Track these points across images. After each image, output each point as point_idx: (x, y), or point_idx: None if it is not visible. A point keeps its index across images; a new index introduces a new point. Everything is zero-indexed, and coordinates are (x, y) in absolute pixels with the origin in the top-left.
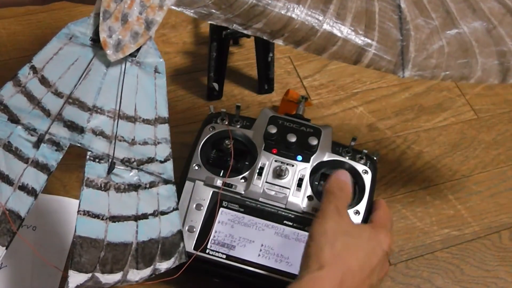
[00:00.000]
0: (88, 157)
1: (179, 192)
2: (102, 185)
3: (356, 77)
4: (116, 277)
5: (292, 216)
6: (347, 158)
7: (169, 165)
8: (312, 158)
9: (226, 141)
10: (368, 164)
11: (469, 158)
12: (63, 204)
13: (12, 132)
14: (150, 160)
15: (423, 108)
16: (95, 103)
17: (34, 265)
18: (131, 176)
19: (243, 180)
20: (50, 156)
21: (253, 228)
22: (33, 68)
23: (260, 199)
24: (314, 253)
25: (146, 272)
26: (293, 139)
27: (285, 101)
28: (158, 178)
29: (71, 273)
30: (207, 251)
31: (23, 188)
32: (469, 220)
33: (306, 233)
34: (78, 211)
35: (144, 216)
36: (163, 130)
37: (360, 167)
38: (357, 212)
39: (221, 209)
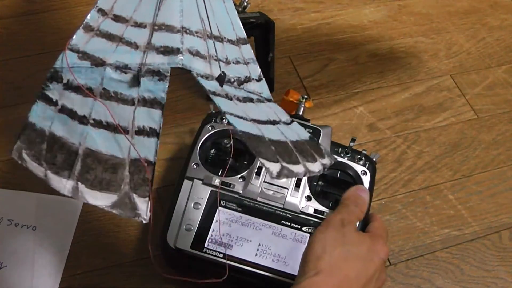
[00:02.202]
0: (195, 75)
1: (177, 191)
2: (225, 95)
3: (356, 77)
4: (300, 168)
5: (290, 216)
6: (346, 158)
7: (265, 84)
8: None
9: (225, 140)
10: (367, 165)
11: (469, 158)
12: (63, 204)
13: (103, 77)
14: (248, 79)
15: (423, 108)
16: (182, 24)
17: (34, 265)
18: (240, 92)
19: (241, 180)
20: (155, 88)
21: (250, 228)
22: (101, 11)
23: (258, 199)
24: (312, 259)
25: (319, 165)
26: None
27: (285, 101)
28: (260, 97)
29: (265, 162)
30: (205, 250)
31: (140, 132)
32: (469, 220)
33: (304, 233)
34: (224, 113)
35: (277, 122)
36: (247, 50)
37: (359, 168)
38: None
39: (219, 208)
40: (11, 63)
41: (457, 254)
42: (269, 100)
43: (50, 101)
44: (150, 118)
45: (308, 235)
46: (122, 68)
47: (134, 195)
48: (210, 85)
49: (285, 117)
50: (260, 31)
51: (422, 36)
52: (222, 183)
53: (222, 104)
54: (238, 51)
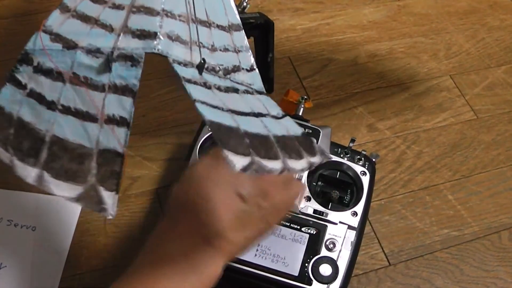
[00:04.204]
0: (172, 61)
1: None
2: (202, 84)
3: (356, 77)
4: (277, 164)
5: (289, 216)
6: (346, 159)
7: (257, 75)
8: None
9: None
10: (366, 165)
11: (469, 158)
12: (63, 204)
13: (74, 61)
14: (236, 68)
15: (423, 109)
16: (163, 7)
17: (34, 265)
18: (224, 81)
19: None
20: (127, 74)
21: None
22: None
23: None
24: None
25: (303, 163)
26: None
27: (285, 101)
28: (250, 89)
29: (230, 154)
30: None
31: (110, 120)
32: (469, 221)
33: (303, 234)
34: (194, 100)
35: (262, 115)
36: (240, 38)
37: (358, 168)
38: (355, 214)
39: None
40: (11, 63)
41: (457, 255)
42: (260, 93)
43: (19, 84)
44: (121, 106)
45: (307, 235)
46: (94, 51)
47: (101, 188)
48: (187, 73)
49: (275, 110)
50: (259, 32)
51: (421, 36)
52: None
53: (194, 91)
54: (228, 37)
